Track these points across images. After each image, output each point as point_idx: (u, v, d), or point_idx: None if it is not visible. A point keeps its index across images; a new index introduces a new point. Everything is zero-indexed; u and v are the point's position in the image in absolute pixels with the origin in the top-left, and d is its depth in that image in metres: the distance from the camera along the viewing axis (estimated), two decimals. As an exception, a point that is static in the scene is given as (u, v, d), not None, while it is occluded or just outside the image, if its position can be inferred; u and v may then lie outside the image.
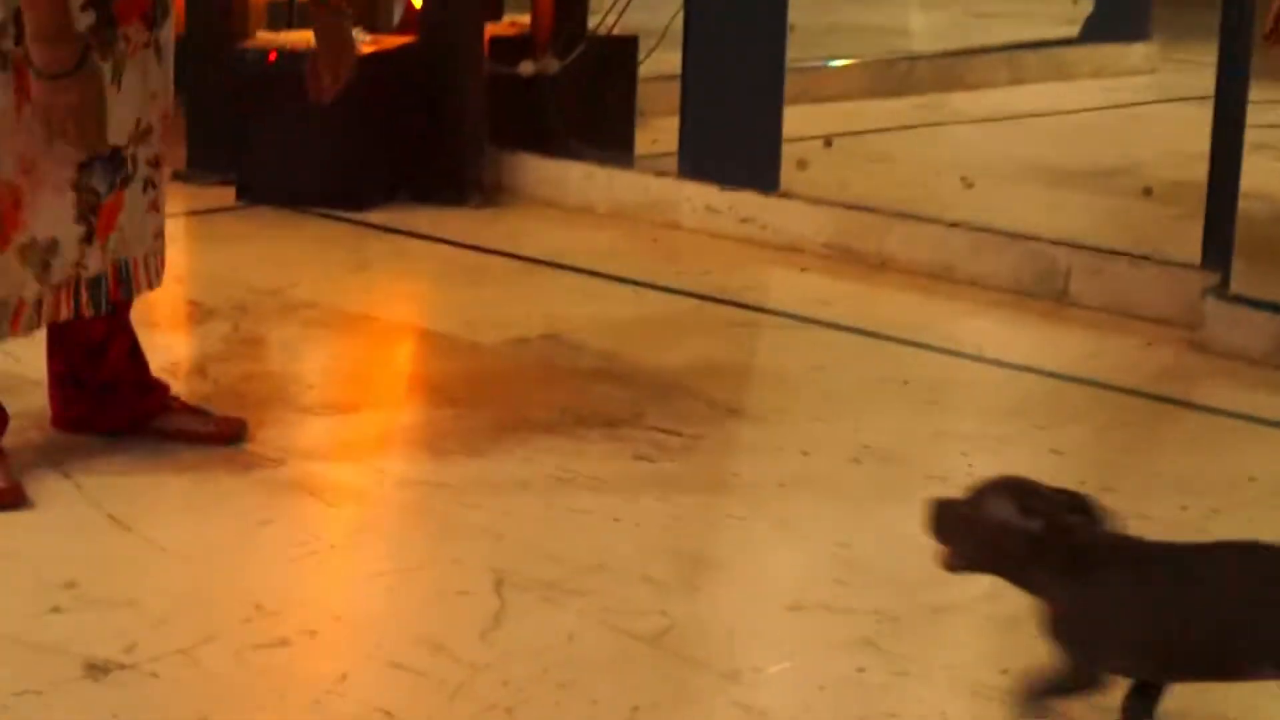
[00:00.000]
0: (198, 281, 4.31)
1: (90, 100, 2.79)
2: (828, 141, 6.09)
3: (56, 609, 2.53)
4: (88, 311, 3.01)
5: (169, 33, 3.03)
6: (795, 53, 5.38)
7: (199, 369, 3.66)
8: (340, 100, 3.32)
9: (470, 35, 5.29)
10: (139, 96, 2.97)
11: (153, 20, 2.98)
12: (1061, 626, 2.17)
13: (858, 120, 6.60)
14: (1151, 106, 7.34)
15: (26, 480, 2.94)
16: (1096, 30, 8.14)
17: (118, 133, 2.92)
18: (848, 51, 7.76)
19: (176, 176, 5.37)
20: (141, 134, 3.00)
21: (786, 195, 4.96)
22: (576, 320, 4.10)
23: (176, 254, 4.87)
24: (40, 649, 2.42)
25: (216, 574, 2.70)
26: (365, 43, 5.12)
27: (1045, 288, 4.39)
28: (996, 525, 2.18)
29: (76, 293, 2.98)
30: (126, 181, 2.99)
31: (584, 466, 3.15)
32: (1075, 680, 2.19)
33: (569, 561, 2.73)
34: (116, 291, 3.05)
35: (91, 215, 2.96)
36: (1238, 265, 4.08)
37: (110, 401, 3.21)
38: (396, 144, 5.24)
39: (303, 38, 5.20)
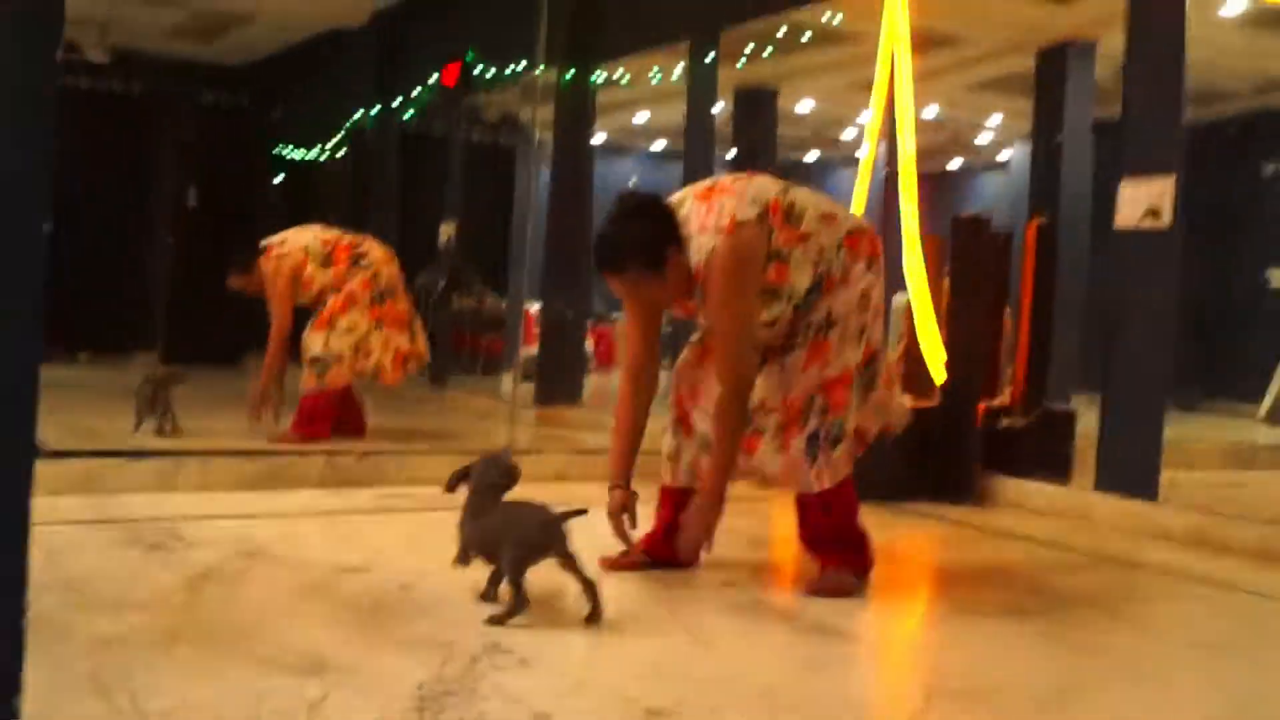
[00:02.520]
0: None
1: (710, 526, 4.76)
2: None
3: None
4: None
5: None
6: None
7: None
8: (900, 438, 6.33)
9: (971, 404, 8.88)
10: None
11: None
12: (470, 534, 4.58)
13: None
14: None
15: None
16: None
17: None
18: None
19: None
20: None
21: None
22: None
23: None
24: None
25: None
26: (909, 402, 8.77)
27: None
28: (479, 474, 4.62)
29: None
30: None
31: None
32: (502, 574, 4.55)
33: None
34: None
35: None
36: None
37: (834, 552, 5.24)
38: (927, 464, 8.74)
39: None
